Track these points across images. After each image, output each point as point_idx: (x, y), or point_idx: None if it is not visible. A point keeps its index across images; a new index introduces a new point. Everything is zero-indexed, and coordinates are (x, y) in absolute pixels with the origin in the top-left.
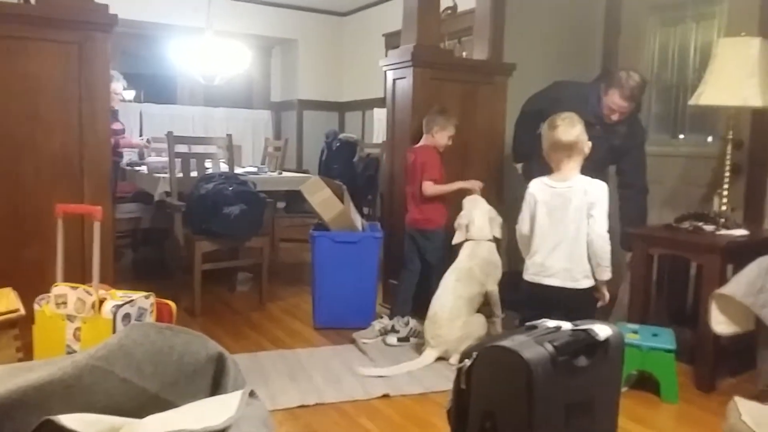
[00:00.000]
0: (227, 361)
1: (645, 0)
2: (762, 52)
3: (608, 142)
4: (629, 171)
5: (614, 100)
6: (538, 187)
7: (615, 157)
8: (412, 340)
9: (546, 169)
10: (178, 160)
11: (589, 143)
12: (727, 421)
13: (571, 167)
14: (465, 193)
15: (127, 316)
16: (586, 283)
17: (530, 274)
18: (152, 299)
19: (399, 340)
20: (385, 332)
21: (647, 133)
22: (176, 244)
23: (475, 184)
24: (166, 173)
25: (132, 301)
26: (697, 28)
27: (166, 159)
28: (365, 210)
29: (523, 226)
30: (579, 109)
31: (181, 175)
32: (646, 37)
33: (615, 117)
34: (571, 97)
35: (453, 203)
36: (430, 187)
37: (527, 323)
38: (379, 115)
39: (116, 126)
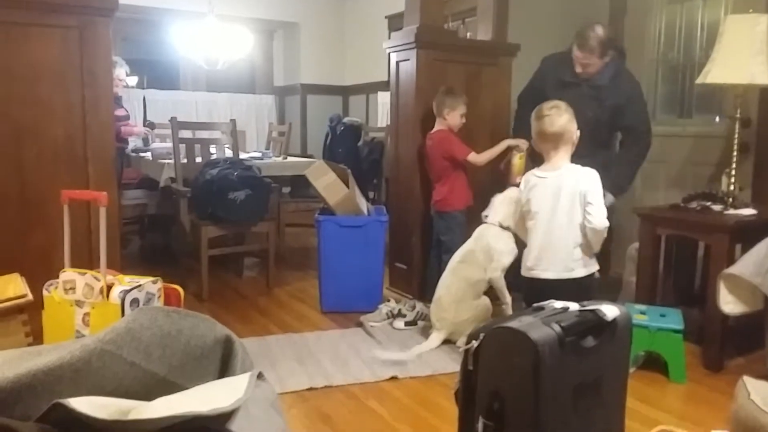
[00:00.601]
0: (235, 343)
1: None
2: (766, 30)
3: (598, 101)
4: (629, 128)
5: (576, 54)
6: (528, 181)
7: (612, 116)
8: (420, 323)
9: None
10: (182, 146)
11: (578, 132)
12: (736, 400)
13: (560, 156)
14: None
15: (135, 301)
16: (583, 271)
17: (527, 269)
18: (160, 284)
19: (406, 324)
20: (392, 316)
21: (639, 86)
22: (182, 230)
23: (521, 142)
24: (170, 159)
25: (140, 286)
26: (704, 6)
27: (170, 145)
28: (370, 194)
29: (509, 223)
30: (561, 72)
31: (185, 160)
32: (652, 15)
33: (579, 70)
34: (554, 63)
35: (481, 185)
36: (476, 157)
37: (534, 305)
38: (383, 98)
39: (120, 112)
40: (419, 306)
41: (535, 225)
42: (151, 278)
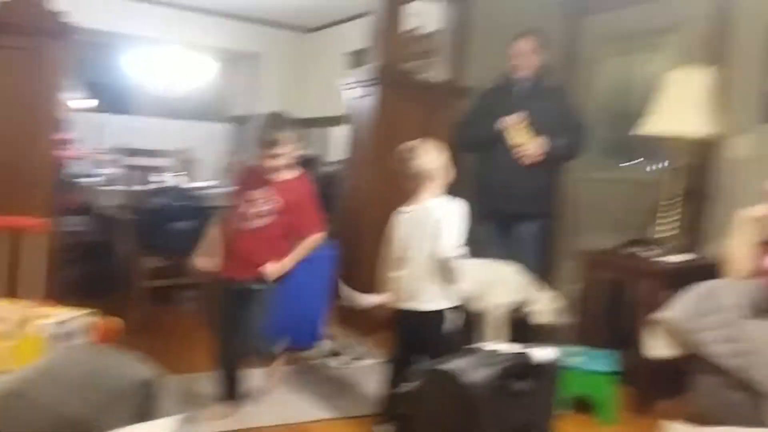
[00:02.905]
0: (160, 385)
1: (600, 30)
2: (704, 83)
3: (540, 104)
4: (570, 127)
5: (514, 47)
6: (397, 214)
7: (556, 117)
8: (361, 362)
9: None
10: (130, 173)
11: (441, 170)
12: None
13: (428, 192)
14: None
15: (69, 334)
16: (440, 305)
17: (394, 302)
18: (95, 317)
19: (347, 362)
20: (332, 354)
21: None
22: (123, 260)
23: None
24: (115, 185)
25: (74, 318)
26: (647, 59)
27: (117, 171)
28: None
29: (386, 249)
30: (501, 89)
31: (131, 188)
32: (600, 64)
33: (515, 64)
34: (491, 89)
35: None
36: None
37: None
38: (339, 132)
39: (65, 135)
40: (361, 344)
41: (399, 256)
42: (86, 310)
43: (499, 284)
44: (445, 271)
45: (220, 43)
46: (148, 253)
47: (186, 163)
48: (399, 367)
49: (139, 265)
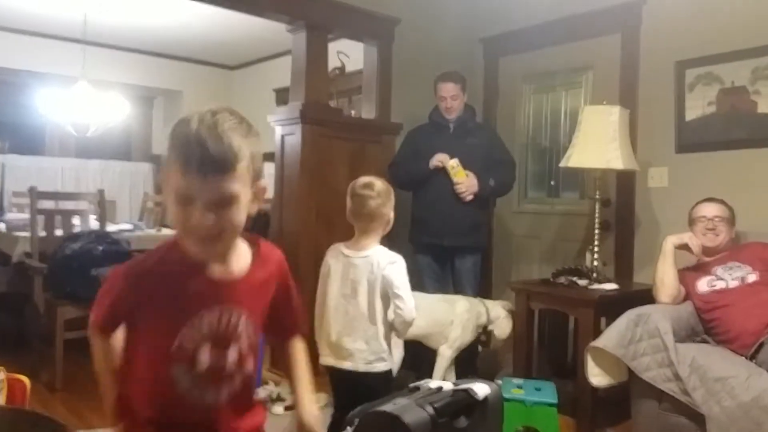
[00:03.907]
0: None
1: (519, 69)
2: (621, 119)
3: (469, 141)
4: (500, 161)
5: (441, 90)
6: (332, 255)
7: (484, 153)
8: None
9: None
10: (41, 217)
11: (392, 215)
12: None
13: (371, 238)
14: None
15: None
16: (382, 366)
17: (325, 356)
18: (2, 375)
19: (286, 408)
20: (270, 400)
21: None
22: (36, 311)
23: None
24: (26, 231)
25: None
26: (566, 96)
27: (27, 216)
28: None
29: (319, 297)
30: (430, 127)
31: (44, 233)
32: (521, 102)
33: (445, 107)
34: (420, 128)
35: None
36: None
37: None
38: (269, 169)
39: None
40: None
41: (335, 307)
42: None
43: (456, 323)
44: (402, 330)
45: (139, 81)
46: (65, 302)
47: (102, 205)
48: (339, 418)
49: (55, 316)
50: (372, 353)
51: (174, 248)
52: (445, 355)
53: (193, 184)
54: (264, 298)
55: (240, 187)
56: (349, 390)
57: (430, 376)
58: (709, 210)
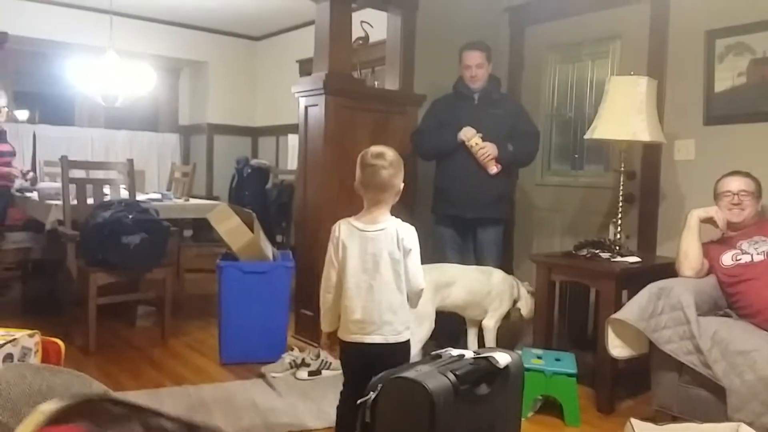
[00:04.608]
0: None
1: (545, 39)
2: (649, 90)
3: (495, 112)
4: (525, 133)
5: (466, 59)
6: (345, 232)
7: (510, 125)
8: (324, 372)
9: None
10: (72, 186)
11: (401, 186)
12: None
13: (381, 210)
14: None
15: (8, 356)
16: (408, 334)
17: (349, 334)
18: (37, 337)
19: (310, 374)
20: (295, 365)
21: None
22: (69, 277)
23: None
24: (59, 200)
25: (14, 340)
26: (593, 66)
27: (59, 185)
28: (278, 238)
29: (331, 272)
30: (456, 97)
31: (75, 202)
32: (546, 72)
33: (470, 76)
34: (446, 97)
35: None
36: None
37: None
38: (294, 141)
39: (4, 147)
40: (323, 355)
41: (357, 284)
42: (28, 331)
43: (494, 294)
44: (414, 300)
45: (166, 52)
46: (97, 269)
47: (131, 175)
48: (351, 401)
49: (87, 282)
50: (401, 323)
51: None
52: (489, 326)
53: None
54: None
55: None
56: (369, 365)
57: (450, 345)
58: (735, 184)
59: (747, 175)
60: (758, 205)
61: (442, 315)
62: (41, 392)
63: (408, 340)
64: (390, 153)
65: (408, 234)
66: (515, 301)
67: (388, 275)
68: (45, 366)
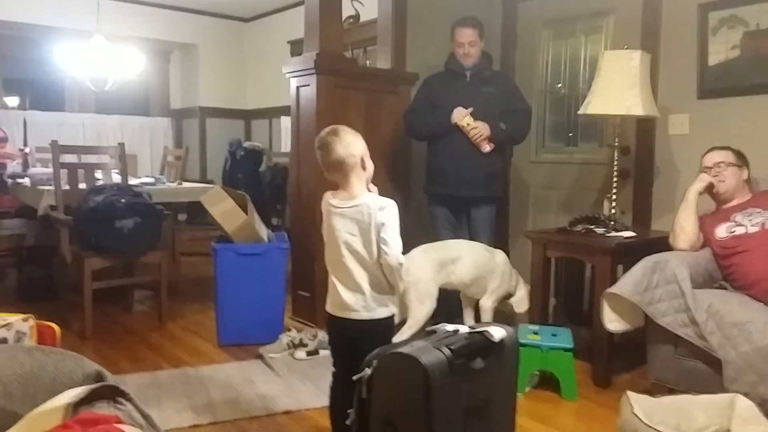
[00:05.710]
0: (107, 378)
1: (538, 14)
2: (642, 64)
3: (487, 89)
4: (517, 110)
5: (458, 36)
6: (324, 206)
7: (501, 102)
8: (322, 352)
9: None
10: (64, 171)
11: (368, 161)
12: (621, 415)
13: (353, 184)
14: None
15: (3, 341)
16: (385, 311)
17: (329, 305)
18: (31, 321)
19: (308, 353)
20: (293, 346)
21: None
22: (64, 262)
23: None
24: (51, 185)
25: (8, 324)
26: (586, 41)
27: (51, 170)
28: (274, 220)
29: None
30: (448, 76)
31: (67, 187)
32: (539, 48)
33: (462, 54)
34: (438, 76)
35: None
36: None
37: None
38: (287, 123)
39: None
40: (321, 335)
41: (335, 258)
42: (22, 315)
43: (497, 273)
44: (392, 277)
45: (155, 35)
46: (91, 254)
47: (123, 159)
48: (341, 381)
49: (82, 267)
50: (374, 300)
51: None
52: (487, 306)
53: None
54: None
55: None
56: (351, 343)
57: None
58: (710, 158)
59: (723, 148)
60: (742, 174)
61: (440, 294)
62: (33, 373)
63: (388, 317)
64: (343, 128)
65: (383, 208)
66: (510, 295)
67: (360, 252)
68: (37, 347)
